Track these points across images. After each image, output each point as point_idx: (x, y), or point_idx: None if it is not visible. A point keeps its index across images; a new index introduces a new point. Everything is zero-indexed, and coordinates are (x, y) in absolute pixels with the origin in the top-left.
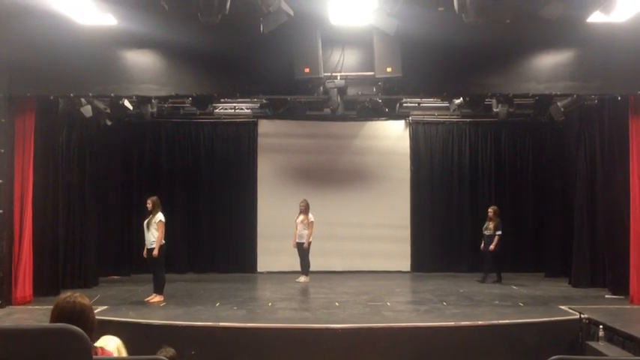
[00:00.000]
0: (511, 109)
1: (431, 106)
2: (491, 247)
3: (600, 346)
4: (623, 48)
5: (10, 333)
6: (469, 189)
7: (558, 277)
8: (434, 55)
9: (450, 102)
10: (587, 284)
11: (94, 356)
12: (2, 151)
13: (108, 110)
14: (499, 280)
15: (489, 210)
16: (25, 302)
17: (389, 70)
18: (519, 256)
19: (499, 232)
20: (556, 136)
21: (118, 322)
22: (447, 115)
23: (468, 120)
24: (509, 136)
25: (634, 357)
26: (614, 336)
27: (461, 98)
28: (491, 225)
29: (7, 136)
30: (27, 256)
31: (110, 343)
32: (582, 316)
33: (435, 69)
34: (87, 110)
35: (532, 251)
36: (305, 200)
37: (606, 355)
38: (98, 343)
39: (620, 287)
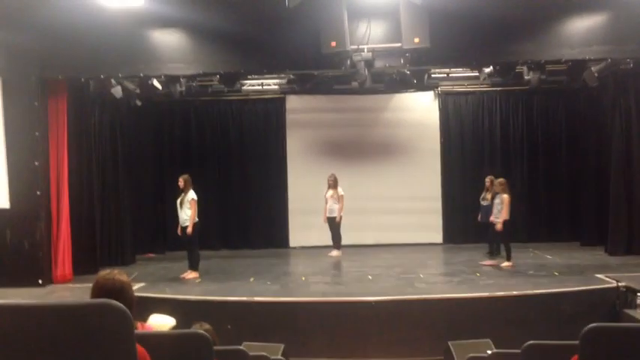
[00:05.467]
0: (543, 77)
1: (460, 76)
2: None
3: (638, 313)
4: None
5: (54, 308)
6: (501, 159)
7: (594, 246)
8: (462, 23)
9: (480, 71)
10: (623, 252)
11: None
12: (37, 134)
13: (137, 90)
14: (498, 253)
15: (487, 179)
16: (65, 281)
17: (416, 40)
18: (554, 226)
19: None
20: (590, 102)
21: (156, 298)
22: (476, 85)
23: (498, 89)
24: (542, 105)
25: None
26: None
27: (491, 67)
28: (488, 195)
29: (40, 119)
30: (65, 235)
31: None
32: (619, 284)
33: (463, 38)
34: (117, 91)
35: (567, 220)
36: (333, 174)
37: None
38: (151, 322)
39: None
